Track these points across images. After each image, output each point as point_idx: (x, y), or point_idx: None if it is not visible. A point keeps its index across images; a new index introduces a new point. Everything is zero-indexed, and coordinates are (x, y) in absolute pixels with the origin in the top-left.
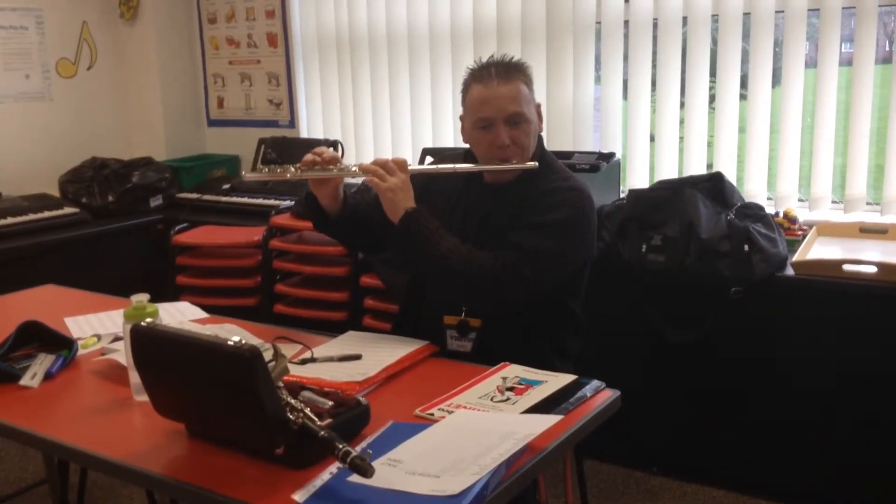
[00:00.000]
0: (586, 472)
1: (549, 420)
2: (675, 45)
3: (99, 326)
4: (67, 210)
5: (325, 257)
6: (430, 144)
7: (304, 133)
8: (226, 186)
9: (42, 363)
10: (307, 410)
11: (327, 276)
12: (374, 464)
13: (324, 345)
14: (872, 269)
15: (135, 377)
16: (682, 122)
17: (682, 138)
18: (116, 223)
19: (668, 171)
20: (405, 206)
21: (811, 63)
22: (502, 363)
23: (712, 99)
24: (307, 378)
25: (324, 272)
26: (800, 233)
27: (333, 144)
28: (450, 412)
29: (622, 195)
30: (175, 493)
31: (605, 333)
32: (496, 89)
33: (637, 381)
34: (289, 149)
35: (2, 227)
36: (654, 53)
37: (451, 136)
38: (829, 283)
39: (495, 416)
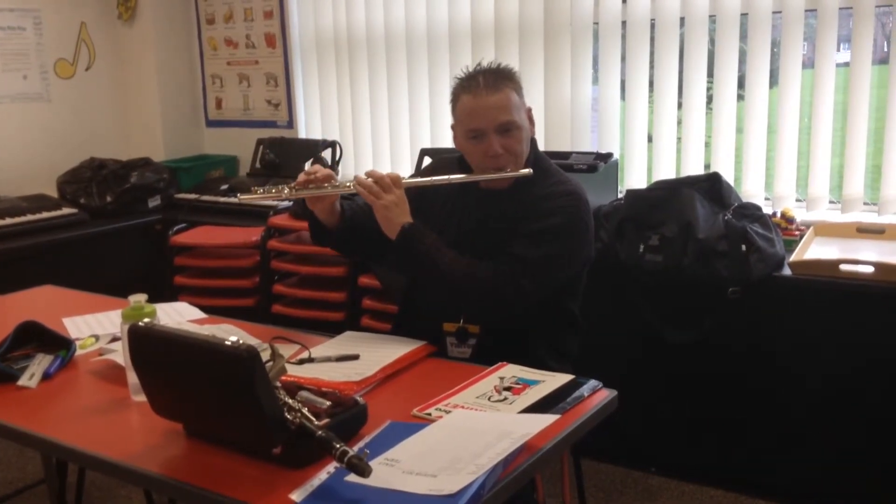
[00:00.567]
0: (584, 471)
1: (546, 420)
2: (672, 45)
3: (97, 327)
4: (66, 211)
5: (323, 258)
6: (428, 145)
7: (303, 133)
8: (224, 187)
9: (40, 363)
10: (305, 410)
11: (325, 277)
12: (372, 463)
13: (321, 345)
14: (869, 269)
15: (133, 377)
16: (679, 122)
17: (679, 139)
18: (115, 224)
19: (666, 172)
20: (401, 221)
21: (808, 63)
22: (500, 363)
23: (710, 99)
24: (305, 378)
25: (322, 272)
26: (797, 233)
27: (332, 145)
28: (447, 412)
29: (620, 195)
30: (173, 493)
31: (602, 333)
32: (485, 99)
33: (635, 381)
34: (287, 149)
35: (0, 227)
36: (652, 54)
37: (449, 137)
38: (826, 282)
39: (492, 416)
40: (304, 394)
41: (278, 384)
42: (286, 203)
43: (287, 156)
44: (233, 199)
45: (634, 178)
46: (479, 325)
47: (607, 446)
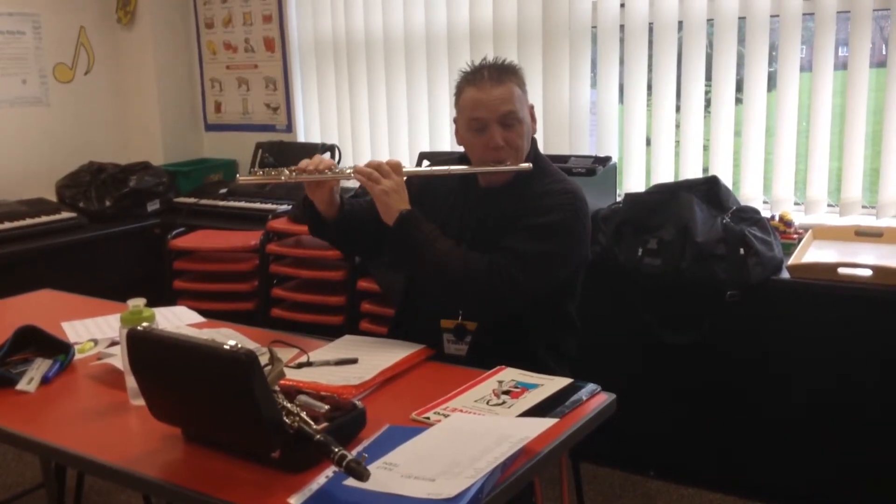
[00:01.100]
0: (583, 475)
1: (544, 423)
2: (670, 49)
3: (96, 331)
4: (65, 215)
5: (322, 261)
6: (426, 148)
7: (302, 137)
8: (223, 191)
9: (39, 368)
10: (303, 414)
11: (324, 280)
12: (370, 467)
13: (320, 349)
14: (867, 273)
15: (131, 381)
16: (678, 125)
17: (678, 142)
18: (113, 228)
19: (665, 175)
20: (399, 208)
21: (807, 67)
22: (498, 367)
23: (708, 103)
24: (304, 382)
25: (321, 276)
26: (795, 236)
27: (330, 149)
28: (446, 416)
29: (618, 199)
30: (171, 497)
31: (601, 337)
32: (489, 91)
33: (634, 385)
34: (286, 153)
35: None
36: (650, 57)
37: (448, 140)
38: (824, 286)
39: (491, 420)
40: (302, 398)
41: (277, 388)
42: (285, 207)
43: (286, 160)
44: (232, 203)
45: (633, 181)
46: (476, 322)
47: (606, 450)
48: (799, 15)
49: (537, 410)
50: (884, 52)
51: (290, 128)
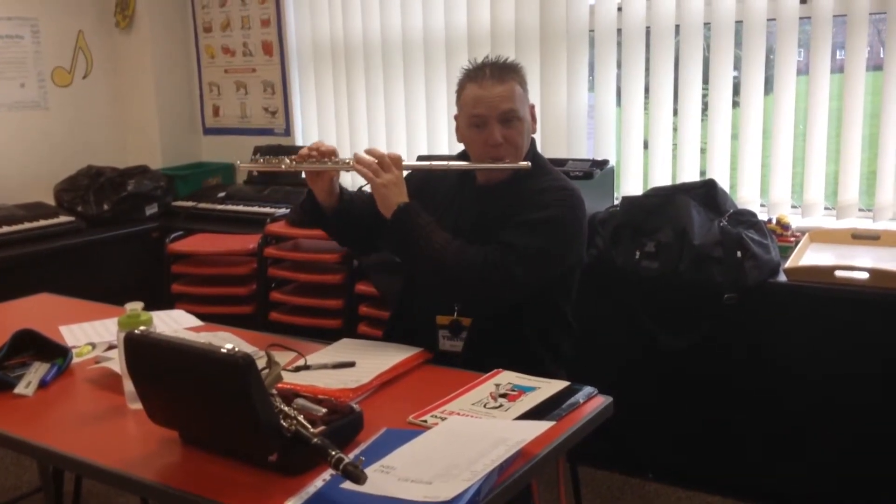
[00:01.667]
0: (581, 478)
1: (541, 426)
2: (667, 52)
3: (93, 335)
4: (63, 219)
5: (320, 265)
6: (424, 151)
7: (300, 141)
8: (221, 194)
9: (37, 371)
10: (300, 417)
11: (322, 284)
12: (367, 470)
13: (318, 352)
14: (864, 276)
15: (129, 385)
16: (675, 129)
17: (675, 145)
18: (112, 231)
19: (662, 178)
20: (398, 200)
21: (803, 70)
22: (495, 370)
23: (705, 106)
24: (301, 385)
25: (319, 280)
26: (792, 239)
27: None
28: (443, 419)
29: (616, 202)
30: (169, 501)
31: (599, 340)
32: (490, 88)
33: (632, 388)
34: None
35: None
36: (648, 61)
37: (446, 144)
38: (821, 289)
39: (488, 423)
40: (300, 401)
41: (274, 392)
42: (283, 210)
43: None
44: (230, 207)
45: (630, 184)
46: (472, 317)
47: (604, 453)
48: (795, 19)
49: (534, 413)
50: (881, 56)
51: (288, 131)
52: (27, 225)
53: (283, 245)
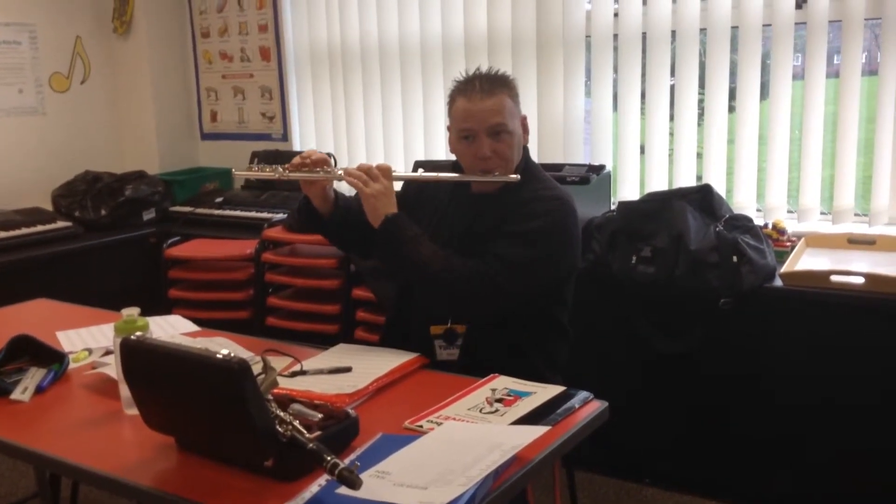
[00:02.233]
0: (578, 483)
1: (536, 431)
2: (664, 58)
3: (90, 340)
4: (60, 224)
5: (317, 270)
6: (422, 156)
7: (297, 146)
8: (218, 200)
9: (33, 377)
10: (296, 423)
11: (319, 289)
12: (363, 476)
13: (314, 357)
14: (860, 280)
15: (125, 391)
16: (671, 134)
17: (671, 150)
18: (109, 237)
19: (659, 183)
20: (386, 211)
21: (799, 75)
22: (491, 375)
23: (702, 111)
24: (297, 391)
25: (316, 285)
26: (788, 244)
27: None
28: (439, 424)
29: (613, 207)
30: None
31: (595, 344)
32: (480, 102)
33: (628, 392)
34: (282, 162)
35: None
36: (644, 66)
37: (443, 149)
38: (817, 293)
39: (483, 428)
40: (295, 406)
41: (270, 397)
42: (280, 216)
43: None
44: (227, 212)
45: (627, 189)
46: (466, 325)
47: (601, 458)
48: (791, 24)
49: (530, 418)
50: (877, 60)
51: (285, 137)
52: (25, 230)
53: (281, 250)
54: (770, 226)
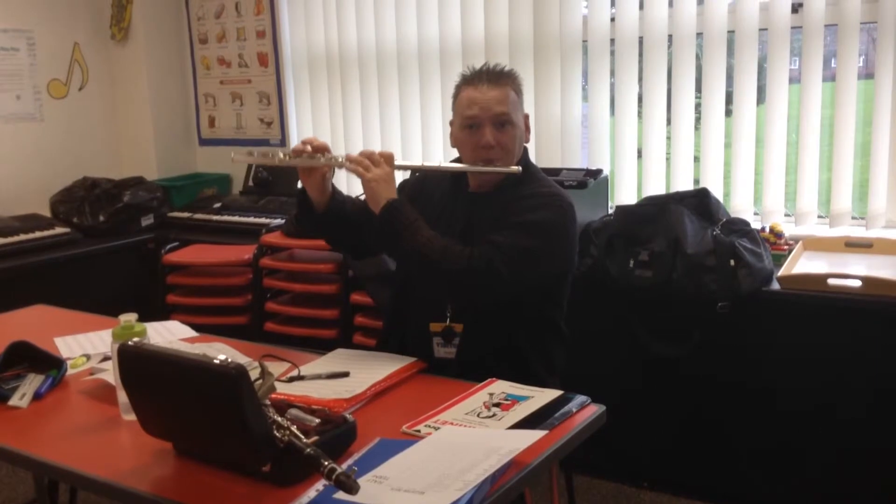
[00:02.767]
0: (577, 487)
1: (533, 435)
2: (660, 62)
3: (88, 346)
4: (58, 230)
5: (315, 275)
6: (419, 161)
7: None
8: (217, 205)
9: (31, 383)
10: (293, 428)
11: (318, 294)
12: (360, 480)
13: (312, 362)
14: (857, 283)
15: (123, 396)
16: (668, 138)
17: (668, 154)
18: (107, 243)
19: (656, 187)
20: (386, 196)
21: (796, 79)
22: (489, 379)
23: (699, 115)
24: (295, 396)
25: (314, 290)
26: (786, 247)
27: None
28: (436, 428)
29: (610, 211)
30: None
31: (593, 348)
32: (486, 91)
33: (626, 396)
34: (279, 168)
35: None
36: (641, 71)
37: (441, 153)
38: (814, 297)
39: (480, 432)
40: (293, 411)
41: (267, 402)
42: (279, 221)
43: (280, 174)
44: (225, 218)
45: (624, 193)
46: (462, 323)
47: (599, 461)
48: (787, 28)
49: (527, 422)
50: (874, 64)
51: (283, 142)
52: (23, 237)
53: (279, 255)
54: (767, 229)
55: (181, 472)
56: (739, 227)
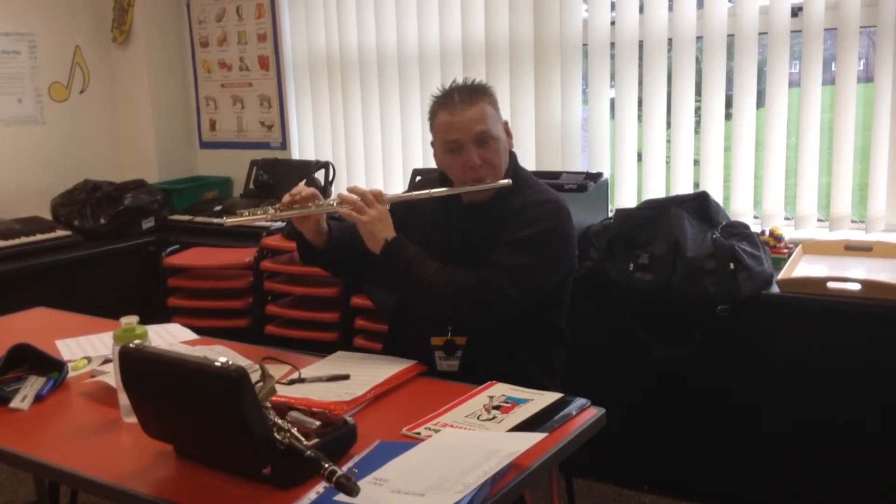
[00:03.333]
0: (577, 490)
1: (533, 438)
2: (660, 66)
3: (89, 349)
4: (59, 233)
5: (315, 278)
6: (420, 164)
7: (296, 154)
8: (217, 208)
9: (32, 385)
10: (294, 430)
11: (318, 297)
12: (360, 483)
13: (312, 365)
14: (857, 287)
15: (124, 399)
16: (668, 141)
17: (668, 158)
18: (108, 246)
19: (656, 190)
20: (385, 236)
21: (796, 82)
22: (489, 382)
23: (699, 119)
24: (295, 398)
25: (315, 293)
26: (785, 251)
27: (325, 166)
28: (436, 431)
29: (610, 214)
30: None
31: (593, 352)
32: (461, 113)
33: (627, 399)
34: (281, 170)
35: None
36: (641, 74)
37: None
38: (814, 300)
39: (480, 435)
40: (293, 414)
41: (268, 405)
42: (279, 224)
43: (281, 177)
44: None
45: (625, 197)
46: (467, 336)
47: (600, 464)
48: (787, 32)
49: (527, 425)
50: (873, 67)
51: (284, 145)
52: (24, 239)
53: (279, 258)
54: (767, 233)
55: (182, 474)
56: (739, 231)
